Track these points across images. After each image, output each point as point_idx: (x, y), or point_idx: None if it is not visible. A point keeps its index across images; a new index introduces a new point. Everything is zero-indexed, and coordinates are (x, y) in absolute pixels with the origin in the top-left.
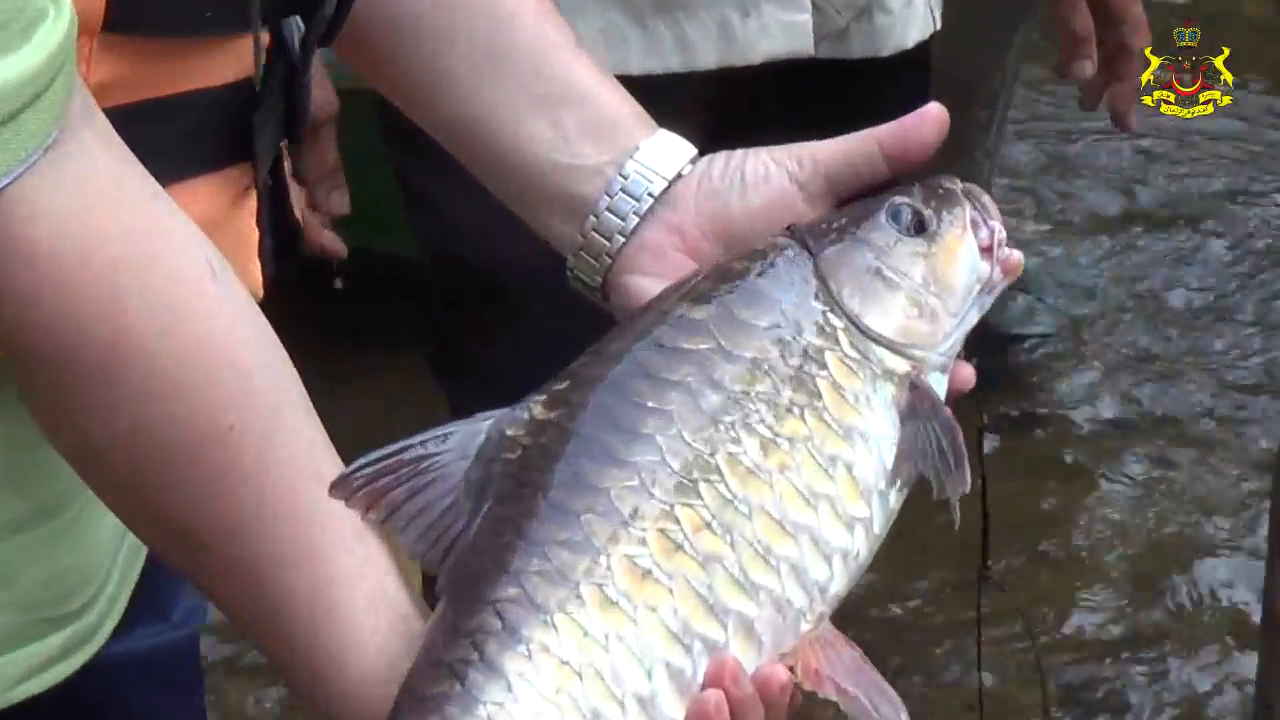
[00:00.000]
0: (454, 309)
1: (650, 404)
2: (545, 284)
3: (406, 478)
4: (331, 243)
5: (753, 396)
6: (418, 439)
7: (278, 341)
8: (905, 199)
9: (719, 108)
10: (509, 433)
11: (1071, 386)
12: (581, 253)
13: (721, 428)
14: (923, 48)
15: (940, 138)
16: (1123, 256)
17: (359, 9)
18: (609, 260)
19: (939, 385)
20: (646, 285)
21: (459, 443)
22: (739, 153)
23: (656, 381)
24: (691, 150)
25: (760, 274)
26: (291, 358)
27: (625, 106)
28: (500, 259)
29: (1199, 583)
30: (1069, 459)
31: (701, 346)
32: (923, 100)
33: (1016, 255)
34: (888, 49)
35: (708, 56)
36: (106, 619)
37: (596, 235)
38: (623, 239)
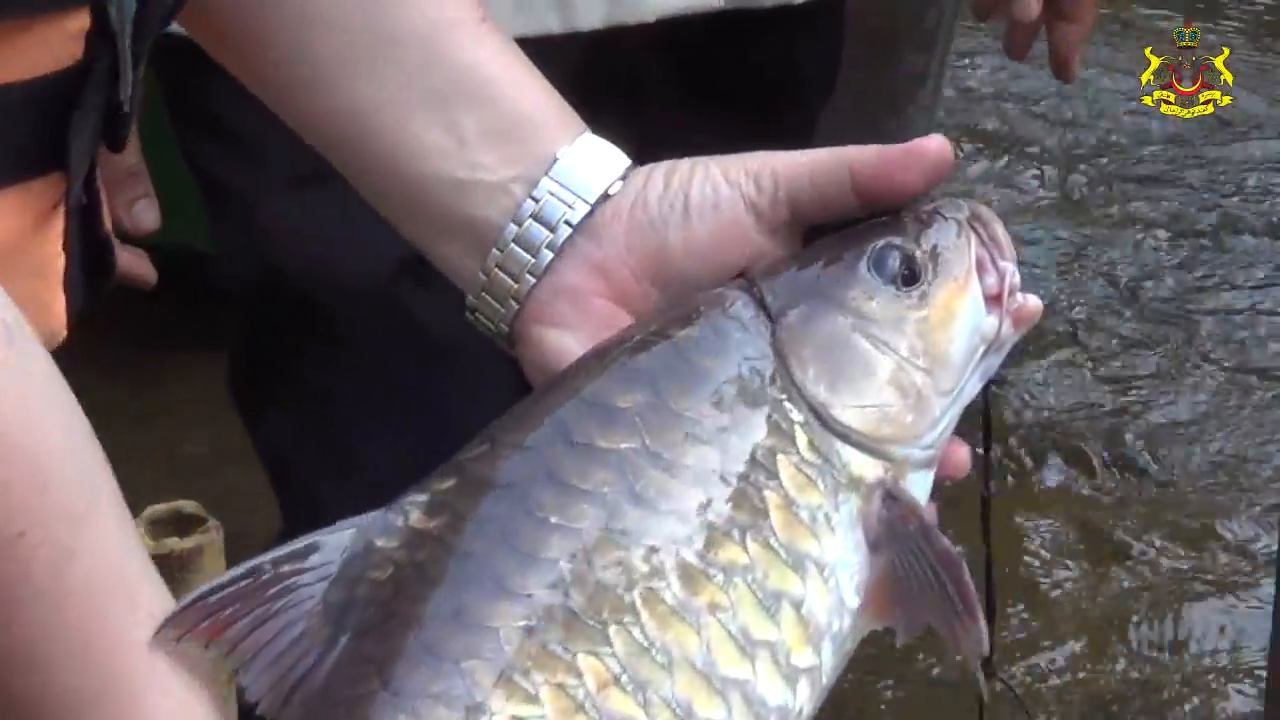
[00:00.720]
0: (262, 329)
1: (554, 519)
2: (384, 306)
3: (255, 604)
4: (135, 267)
5: (682, 514)
6: (269, 556)
7: (85, 422)
8: (894, 240)
9: (600, 77)
10: (378, 543)
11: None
12: (484, 294)
13: (640, 554)
14: None
15: (935, 181)
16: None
17: None
18: (516, 306)
19: (922, 486)
20: (561, 342)
21: (322, 559)
22: (683, 166)
23: (564, 490)
24: (623, 162)
25: (703, 347)
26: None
27: (542, 103)
28: (326, 273)
29: None
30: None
31: (622, 445)
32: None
33: (1033, 303)
34: None
35: (591, 15)
36: None
37: (501, 274)
38: (533, 279)
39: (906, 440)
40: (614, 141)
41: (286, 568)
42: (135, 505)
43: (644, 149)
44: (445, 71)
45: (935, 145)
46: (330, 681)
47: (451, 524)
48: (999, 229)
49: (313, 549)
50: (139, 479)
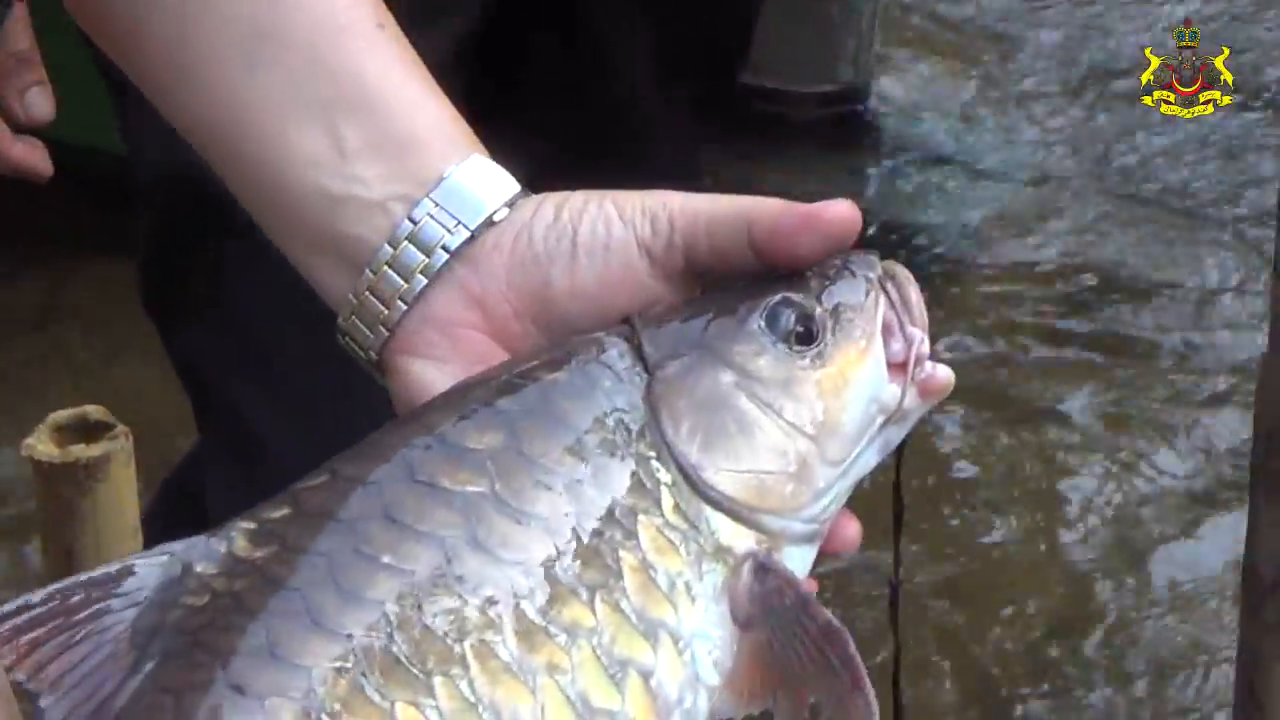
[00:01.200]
0: (171, 231)
1: (385, 559)
2: None
3: (62, 628)
4: (28, 158)
5: (526, 566)
6: (82, 578)
7: None
8: (792, 295)
9: None
10: (197, 569)
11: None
12: (354, 317)
13: (476, 603)
14: None
15: (836, 248)
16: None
17: None
18: (385, 333)
19: (800, 561)
20: (429, 375)
21: (136, 584)
22: (575, 199)
23: (399, 529)
24: (512, 188)
25: (568, 392)
26: None
27: (433, 120)
28: None
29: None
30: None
31: (469, 488)
32: None
33: (943, 374)
34: None
35: None
36: None
37: (372, 297)
38: (404, 306)
39: (784, 512)
40: (553, 39)
41: (98, 591)
42: (40, 411)
43: (580, 49)
44: (330, 77)
45: (837, 212)
46: (127, 709)
47: (277, 555)
48: (913, 292)
49: (127, 572)
50: (44, 384)
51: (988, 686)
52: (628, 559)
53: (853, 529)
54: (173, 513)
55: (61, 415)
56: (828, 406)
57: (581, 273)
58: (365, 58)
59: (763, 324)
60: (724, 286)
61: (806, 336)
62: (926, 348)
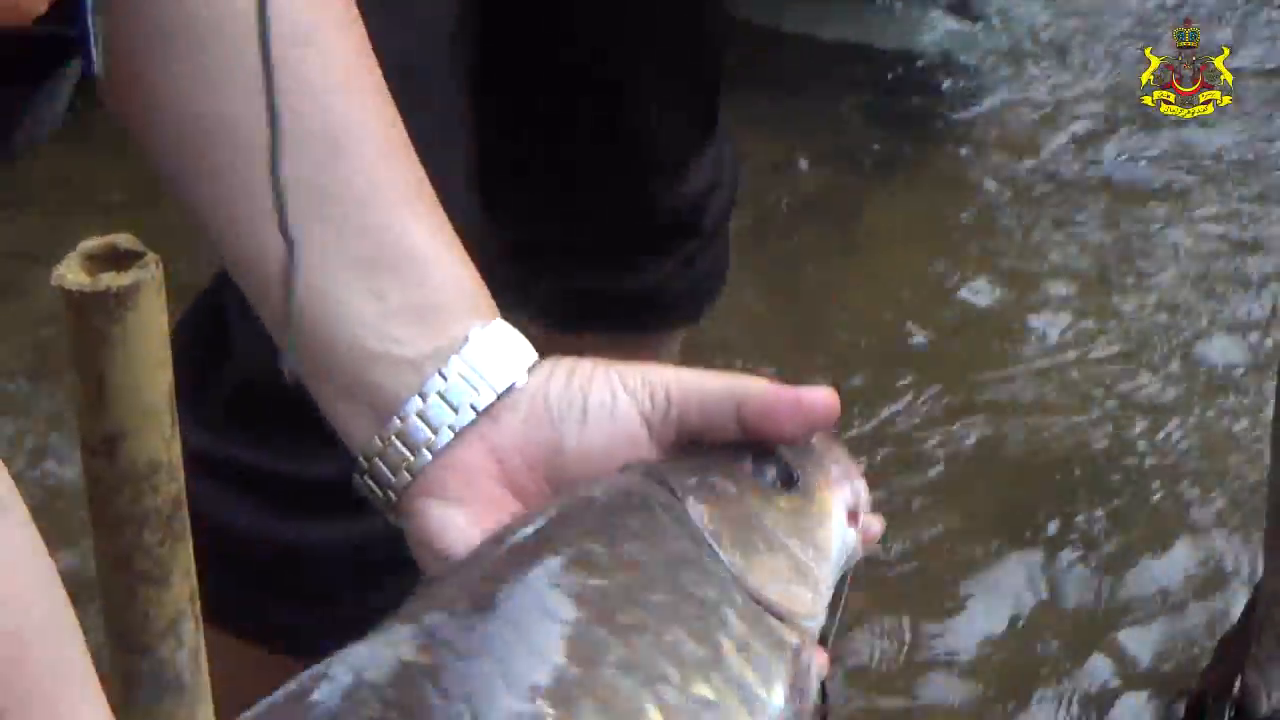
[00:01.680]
0: None
1: (544, 652)
2: None
3: None
4: None
5: (660, 648)
6: (269, 703)
7: (62, 590)
8: (770, 447)
9: None
10: (369, 677)
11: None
12: (377, 459)
13: (628, 687)
14: None
15: (817, 430)
16: None
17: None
18: (409, 477)
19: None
20: (449, 516)
21: (318, 699)
22: (584, 366)
23: (547, 622)
24: (530, 355)
25: (632, 509)
26: None
27: (459, 279)
28: None
29: None
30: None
31: (591, 581)
32: None
33: (878, 526)
34: None
35: None
36: None
37: (399, 444)
38: (429, 455)
39: (809, 616)
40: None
41: (289, 715)
42: (69, 241)
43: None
44: (374, 236)
45: (822, 399)
46: None
47: (448, 660)
48: (844, 451)
49: (305, 690)
50: (71, 213)
51: (1010, 508)
52: (726, 643)
53: (820, 657)
54: (197, 333)
55: (91, 244)
56: (820, 534)
57: (590, 436)
58: (407, 219)
59: (755, 472)
60: (703, 443)
61: (790, 481)
62: (868, 497)
